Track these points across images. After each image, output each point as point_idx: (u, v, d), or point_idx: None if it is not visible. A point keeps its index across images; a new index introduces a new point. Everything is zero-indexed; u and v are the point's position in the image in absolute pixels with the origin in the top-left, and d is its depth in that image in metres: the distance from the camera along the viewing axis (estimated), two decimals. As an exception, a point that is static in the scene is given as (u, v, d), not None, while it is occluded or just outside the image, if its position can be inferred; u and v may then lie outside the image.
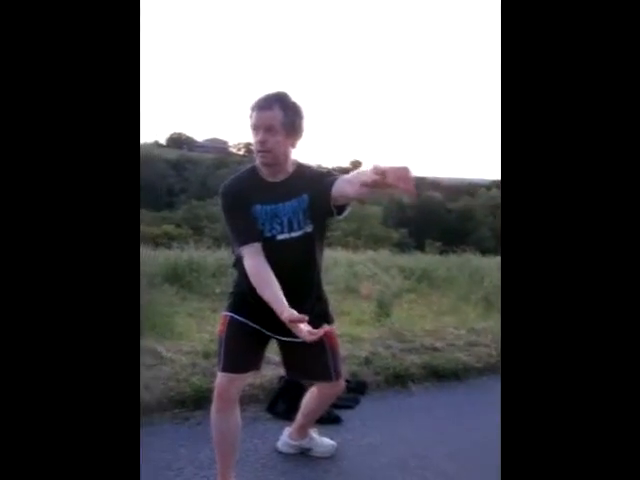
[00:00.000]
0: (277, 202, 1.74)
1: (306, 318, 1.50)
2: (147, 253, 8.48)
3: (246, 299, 1.80)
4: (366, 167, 1.46)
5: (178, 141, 74.15)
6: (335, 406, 2.65)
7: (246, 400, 2.68)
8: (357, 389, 2.98)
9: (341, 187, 1.63)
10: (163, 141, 74.87)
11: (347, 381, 2.97)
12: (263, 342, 1.90)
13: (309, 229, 1.76)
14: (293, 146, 1.76)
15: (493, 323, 4.13)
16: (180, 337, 3.64)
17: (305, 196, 1.74)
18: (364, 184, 1.37)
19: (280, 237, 1.75)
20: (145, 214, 35.60)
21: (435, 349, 3.56)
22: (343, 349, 3.37)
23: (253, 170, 1.80)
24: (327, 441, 2.34)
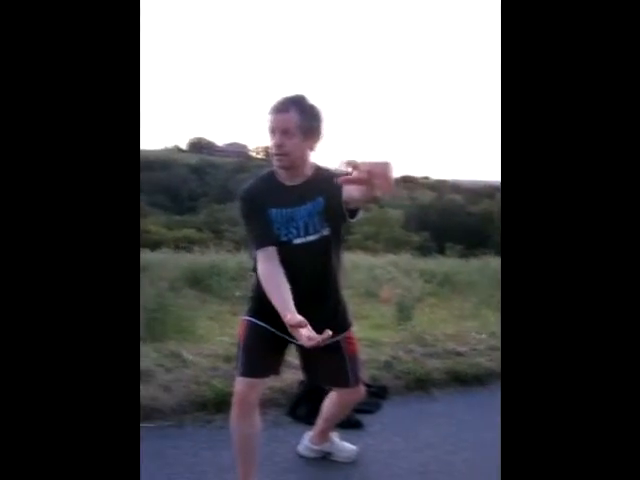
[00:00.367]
0: (294, 206, 1.73)
1: (306, 323, 1.47)
2: (168, 257, 8.58)
3: (265, 303, 1.79)
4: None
5: (199, 146, 74.91)
6: (356, 410, 2.63)
7: (267, 404, 2.68)
8: (378, 394, 2.95)
9: (348, 190, 1.62)
10: (184, 146, 75.76)
11: (368, 385, 2.95)
12: (282, 346, 1.89)
13: (325, 232, 1.75)
14: (312, 149, 1.75)
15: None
16: (201, 340, 3.67)
17: (320, 199, 1.73)
18: (345, 181, 1.32)
19: (296, 241, 1.74)
20: (166, 218, 36.10)
21: (457, 354, 3.52)
22: (363, 353, 3.34)
23: (271, 174, 1.79)
24: (348, 446, 2.33)
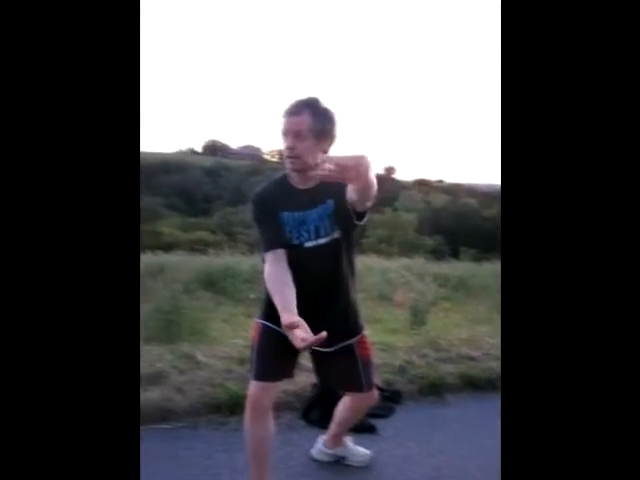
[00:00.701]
0: (305, 209, 1.73)
1: (299, 324, 1.44)
2: (183, 259, 8.63)
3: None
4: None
5: (213, 148, 75.34)
6: (370, 415, 2.62)
7: (280, 407, 2.68)
8: (392, 398, 2.94)
9: (349, 192, 1.62)
10: (199, 148, 76.26)
11: (382, 390, 2.95)
12: (295, 350, 1.87)
13: (336, 235, 1.74)
14: (325, 152, 1.74)
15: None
16: (215, 342, 3.68)
17: (330, 202, 1.72)
18: (322, 177, 1.30)
19: (308, 244, 1.74)
20: (181, 220, 36.33)
21: (471, 358, 3.49)
22: (377, 357, 3.34)
23: (284, 177, 1.80)
24: (362, 450, 2.32)
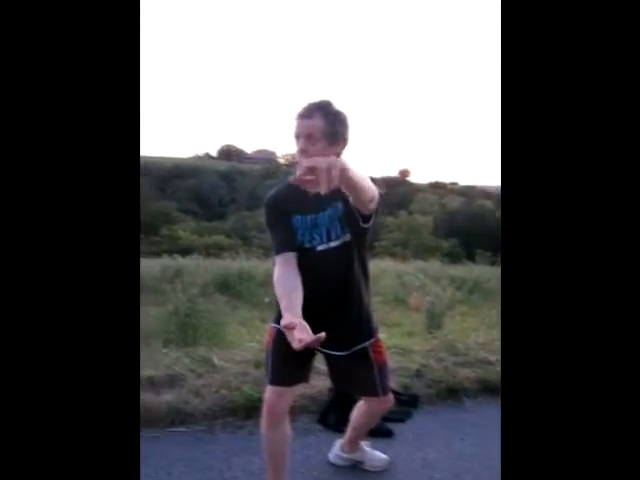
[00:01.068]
0: (317, 212, 1.72)
1: (296, 325, 1.40)
2: (199, 263, 8.71)
3: None
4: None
5: (228, 153, 75.90)
6: (387, 419, 2.61)
7: (297, 411, 2.68)
8: (409, 402, 2.92)
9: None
10: (214, 153, 76.87)
11: (399, 394, 2.93)
12: (310, 354, 1.86)
13: (347, 238, 1.73)
14: (338, 155, 1.73)
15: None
16: (231, 345, 3.70)
17: (340, 205, 1.70)
18: (297, 181, 1.27)
19: (319, 247, 1.73)
20: (196, 224, 36.66)
21: (489, 363, 3.45)
22: (394, 361, 3.33)
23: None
24: (379, 455, 2.31)
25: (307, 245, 1.73)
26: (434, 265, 10.12)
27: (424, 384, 3.10)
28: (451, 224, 34.74)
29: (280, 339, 1.83)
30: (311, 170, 1.21)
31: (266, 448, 1.85)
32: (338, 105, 1.71)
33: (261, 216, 1.83)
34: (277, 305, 1.88)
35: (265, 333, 2.04)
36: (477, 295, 6.63)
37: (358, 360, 1.84)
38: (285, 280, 1.65)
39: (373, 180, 1.69)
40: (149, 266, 8.54)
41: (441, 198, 44.32)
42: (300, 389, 2.68)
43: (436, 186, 54.37)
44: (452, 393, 3.08)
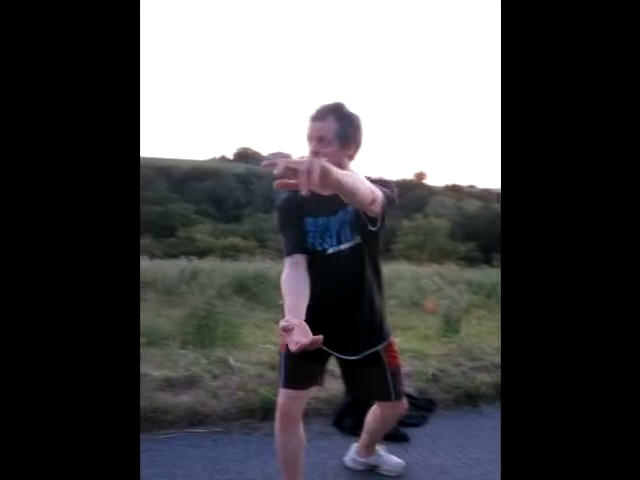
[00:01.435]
0: (328, 215, 1.72)
1: (298, 326, 1.39)
2: (216, 265, 8.77)
3: (306, 314, 1.79)
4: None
5: (245, 155, 76.27)
6: (403, 424, 2.60)
7: (312, 414, 2.69)
8: (425, 407, 2.91)
9: None
10: (231, 156, 77.33)
11: (415, 398, 2.92)
12: (324, 358, 1.86)
13: (358, 241, 1.72)
14: (351, 158, 1.73)
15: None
16: (247, 347, 3.72)
17: (350, 207, 1.69)
18: (279, 185, 1.22)
19: (330, 250, 1.73)
20: (212, 226, 36.92)
21: (506, 368, 3.42)
22: (410, 365, 3.31)
23: None
24: (395, 460, 2.30)
25: (318, 248, 1.73)
26: (450, 268, 10.05)
27: (440, 389, 3.08)
28: (468, 227, 34.47)
29: None
30: (290, 171, 1.18)
31: (280, 452, 1.85)
32: (352, 107, 1.70)
33: (277, 219, 1.84)
34: None
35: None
36: (494, 299, 6.56)
37: (371, 364, 1.83)
38: (291, 281, 1.65)
39: (384, 183, 1.67)
40: (166, 268, 8.62)
41: (458, 201, 44.00)
42: (315, 392, 2.68)
43: (453, 189, 54.00)
44: (469, 398, 3.06)
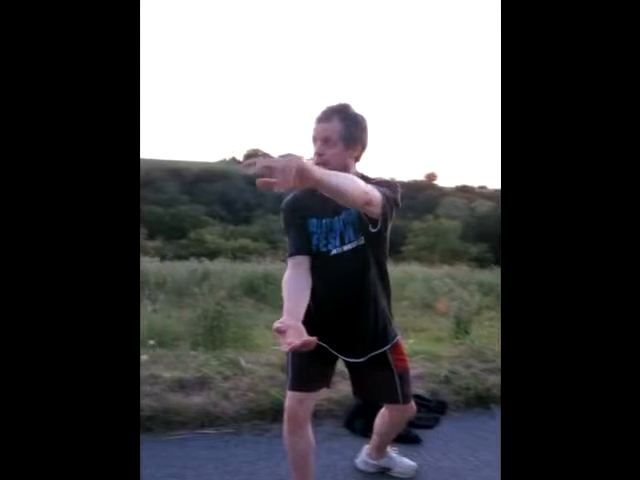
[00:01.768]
0: (332, 215, 1.71)
1: (292, 328, 1.39)
2: (227, 266, 8.80)
3: (311, 316, 1.78)
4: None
5: (255, 157, 76.26)
6: (414, 425, 2.59)
7: (323, 415, 2.69)
8: (437, 409, 2.89)
9: None
10: (241, 157, 77.62)
11: (427, 400, 2.91)
12: (331, 360, 1.85)
13: (361, 242, 1.70)
14: (357, 159, 1.72)
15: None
16: (258, 349, 3.72)
17: (353, 208, 1.66)
18: (260, 183, 1.22)
19: (334, 251, 1.72)
20: (223, 228, 37.05)
21: (518, 370, 3.39)
22: (421, 367, 3.30)
23: None
24: (407, 462, 2.28)
25: (323, 249, 1.73)
26: (462, 270, 10.00)
27: (452, 390, 3.07)
28: (479, 228, 34.27)
29: None
30: (269, 170, 1.17)
31: (290, 455, 1.84)
32: (362, 109, 1.69)
33: (281, 219, 1.83)
34: None
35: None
36: (506, 301, 6.51)
37: (378, 367, 1.82)
38: (291, 282, 1.65)
39: (386, 184, 1.66)
40: (177, 269, 8.68)
41: (469, 202, 43.77)
42: (327, 393, 2.68)
43: (464, 190, 53.73)
44: (480, 400, 3.04)
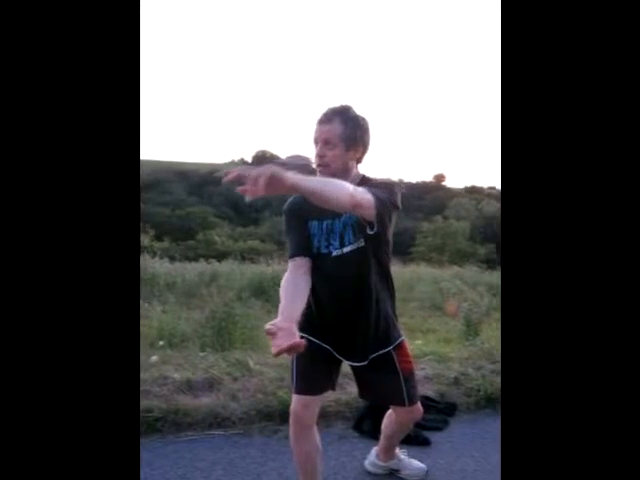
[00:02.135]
0: (333, 217, 1.71)
1: (276, 331, 1.38)
2: (235, 267, 8.82)
3: (314, 319, 1.77)
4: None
5: (263, 158, 76.62)
6: (424, 427, 2.57)
7: (332, 417, 2.68)
8: (446, 410, 2.88)
9: None
10: (249, 158, 77.84)
11: (436, 402, 2.89)
12: (336, 363, 1.85)
13: (361, 244, 1.70)
14: (359, 160, 1.72)
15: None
16: (266, 350, 3.72)
17: None
18: (241, 190, 1.28)
19: (335, 253, 1.72)
20: (231, 229, 37.19)
21: (528, 371, 3.36)
22: (430, 368, 3.28)
23: None
24: (417, 464, 2.27)
25: (324, 251, 1.73)
26: (471, 271, 9.96)
27: (462, 392, 3.05)
28: (489, 229, 34.12)
29: (305, 348, 1.81)
30: (241, 178, 1.22)
31: (296, 458, 1.84)
32: (369, 110, 1.72)
33: (283, 222, 1.84)
34: (303, 314, 1.84)
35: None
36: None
37: (384, 369, 1.81)
38: (289, 284, 1.65)
39: (385, 185, 1.64)
40: (186, 270, 8.70)
41: (478, 203, 43.57)
42: (336, 395, 2.67)
43: (472, 191, 53.53)
44: (490, 402, 3.01)
